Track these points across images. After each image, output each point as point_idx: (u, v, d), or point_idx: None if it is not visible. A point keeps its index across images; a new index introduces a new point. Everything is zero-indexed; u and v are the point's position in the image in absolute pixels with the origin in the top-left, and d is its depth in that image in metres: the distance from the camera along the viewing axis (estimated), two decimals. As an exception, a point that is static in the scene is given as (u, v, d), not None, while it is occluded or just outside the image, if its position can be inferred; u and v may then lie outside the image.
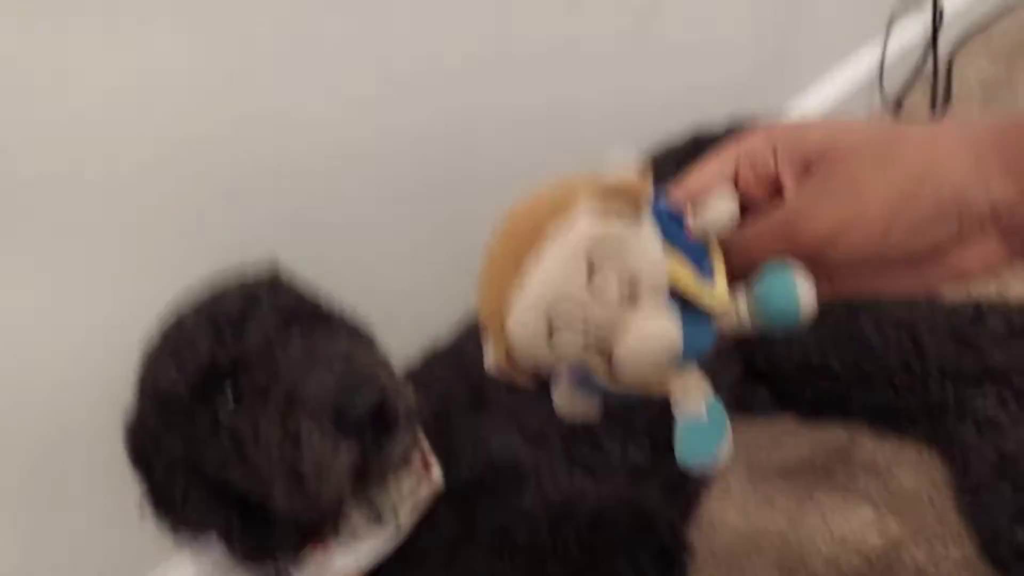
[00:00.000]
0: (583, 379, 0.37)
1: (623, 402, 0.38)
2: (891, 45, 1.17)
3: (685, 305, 0.34)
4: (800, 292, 0.34)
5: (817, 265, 0.36)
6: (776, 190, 0.38)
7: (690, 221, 0.36)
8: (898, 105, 1.20)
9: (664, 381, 0.36)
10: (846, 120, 0.38)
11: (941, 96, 1.18)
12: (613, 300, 0.32)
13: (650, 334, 0.32)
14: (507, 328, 0.33)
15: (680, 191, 0.38)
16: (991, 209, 0.32)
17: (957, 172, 0.33)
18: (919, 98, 1.19)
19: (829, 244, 0.34)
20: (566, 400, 0.39)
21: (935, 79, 1.18)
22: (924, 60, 1.19)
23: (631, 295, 0.32)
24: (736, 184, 0.38)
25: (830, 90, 1.17)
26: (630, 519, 0.61)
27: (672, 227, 0.35)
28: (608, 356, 0.33)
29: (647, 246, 0.33)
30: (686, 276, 0.34)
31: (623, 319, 0.32)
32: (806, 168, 0.36)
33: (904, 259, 0.35)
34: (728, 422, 0.35)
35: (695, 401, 0.35)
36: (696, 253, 0.36)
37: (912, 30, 1.19)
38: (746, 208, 0.38)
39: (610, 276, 0.31)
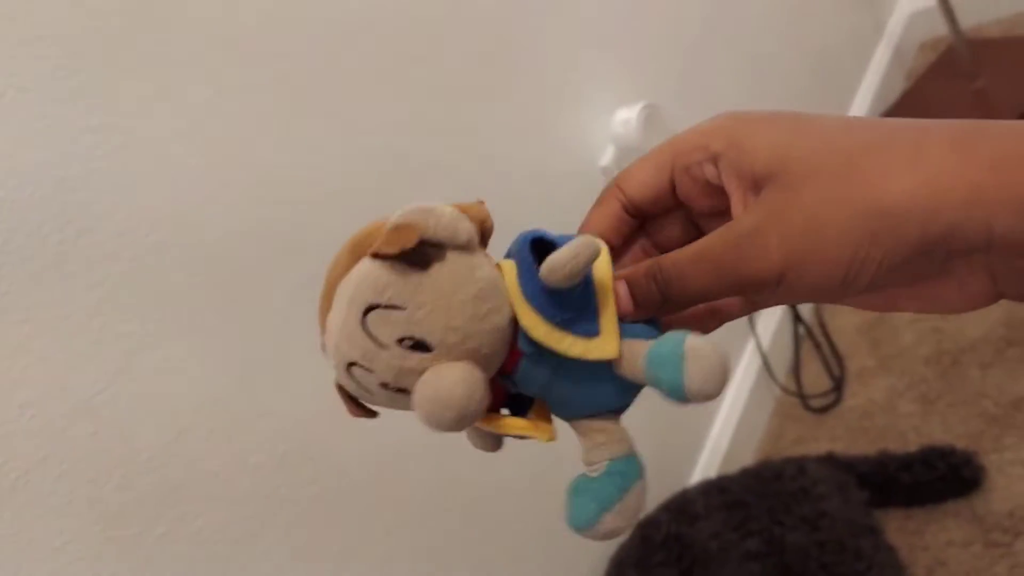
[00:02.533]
0: None
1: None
2: (764, 338, 1.27)
3: (579, 363, 0.31)
4: (688, 375, 0.29)
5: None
6: (722, 198, 0.33)
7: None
8: (798, 383, 1.26)
9: (497, 429, 0.33)
10: (799, 119, 0.31)
11: (830, 353, 1.25)
12: (395, 351, 0.30)
13: (438, 388, 0.29)
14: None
15: (617, 192, 0.35)
16: (987, 243, 0.26)
17: (949, 208, 0.26)
18: (815, 368, 1.26)
19: (779, 283, 0.29)
20: (469, 432, 0.35)
21: (818, 347, 1.27)
22: (797, 336, 1.29)
23: (421, 347, 0.30)
24: (677, 194, 0.34)
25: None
26: None
27: (544, 295, 0.31)
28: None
29: (440, 289, 0.30)
30: (535, 323, 0.31)
31: (418, 370, 0.29)
32: (755, 186, 0.30)
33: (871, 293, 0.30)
34: (634, 489, 0.31)
35: (594, 456, 0.32)
36: (575, 303, 0.31)
37: (774, 316, 1.31)
38: (692, 219, 0.35)
39: (384, 329, 0.30)
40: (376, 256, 0.30)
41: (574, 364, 0.31)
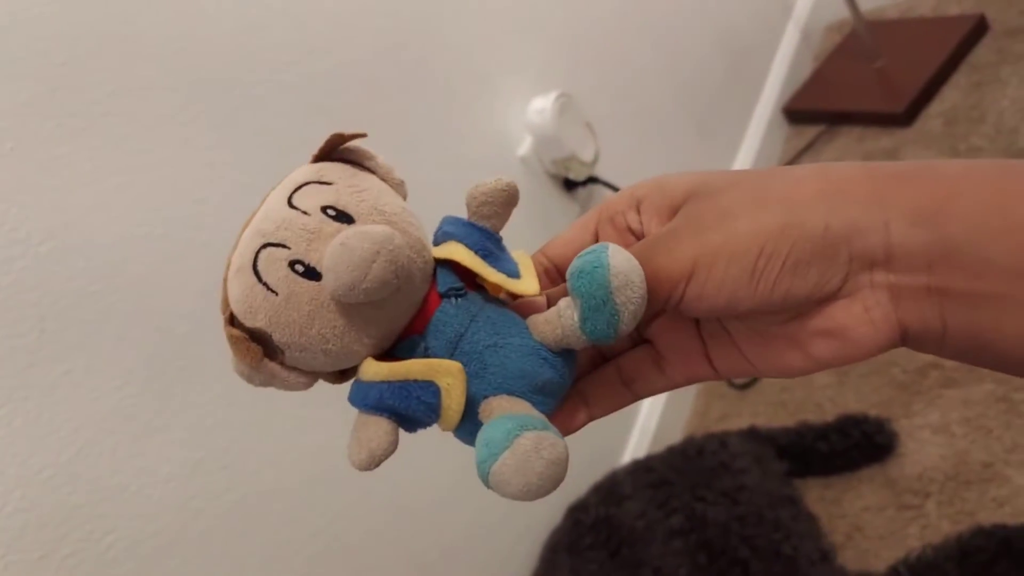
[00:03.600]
0: (362, 392, 0.31)
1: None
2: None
3: (499, 315, 0.31)
4: (613, 260, 0.27)
5: (683, 332, 0.33)
6: None
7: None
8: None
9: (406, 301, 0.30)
10: (720, 169, 0.33)
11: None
12: (315, 212, 0.28)
13: (368, 227, 0.27)
14: (227, 280, 0.30)
15: (541, 257, 0.35)
16: (886, 252, 0.27)
17: (851, 206, 0.27)
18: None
19: (689, 279, 0.29)
20: (354, 437, 0.31)
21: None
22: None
23: (345, 218, 0.29)
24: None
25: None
26: None
27: (468, 227, 0.32)
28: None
29: (373, 181, 0.31)
30: (467, 255, 0.30)
31: (337, 233, 0.28)
32: (673, 213, 0.31)
33: (780, 316, 0.30)
34: (560, 441, 0.28)
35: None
36: (501, 257, 0.31)
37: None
38: None
39: (309, 199, 0.29)
40: (322, 150, 0.31)
41: (494, 314, 0.30)
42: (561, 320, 0.29)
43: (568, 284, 0.28)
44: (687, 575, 0.86)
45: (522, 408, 0.29)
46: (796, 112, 1.58)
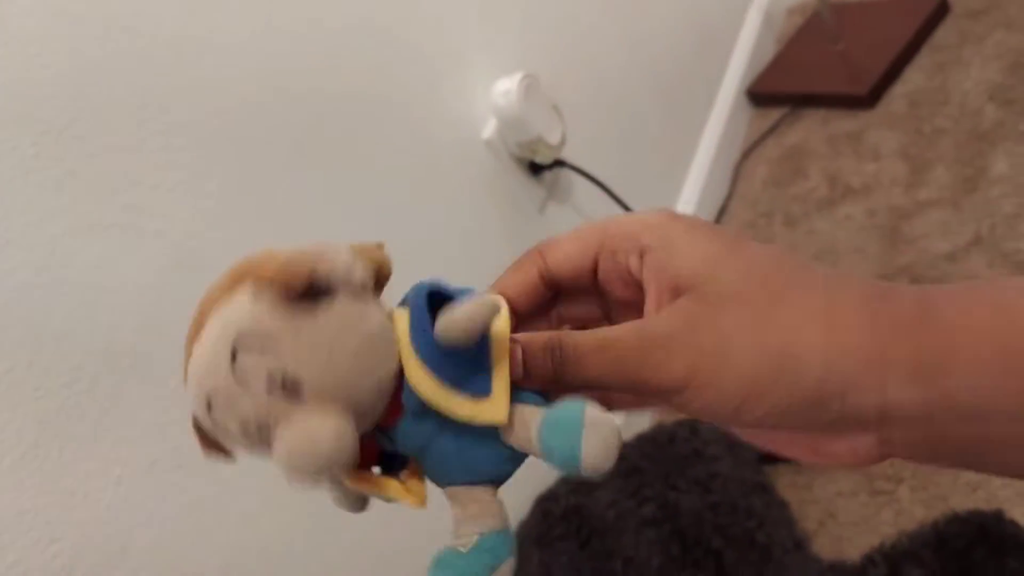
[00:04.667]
0: None
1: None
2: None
3: (464, 425, 0.30)
4: (586, 446, 0.28)
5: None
6: (638, 292, 0.32)
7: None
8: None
9: (365, 487, 0.32)
10: (737, 240, 0.31)
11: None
12: (262, 392, 0.27)
13: (306, 433, 0.27)
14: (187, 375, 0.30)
15: (538, 258, 0.34)
16: (880, 412, 0.27)
17: (850, 363, 0.27)
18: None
19: (677, 394, 0.29)
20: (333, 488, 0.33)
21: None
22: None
23: (292, 390, 0.27)
24: (597, 275, 0.34)
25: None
26: None
27: (435, 352, 0.30)
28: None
29: (323, 335, 0.28)
30: (422, 379, 0.29)
31: (286, 414, 0.27)
32: (674, 290, 0.30)
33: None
34: (502, 569, 0.30)
35: (466, 527, 0.30)
36: (467, 362, 0.30)
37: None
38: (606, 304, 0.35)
39: (253, 367, 0.27)
40: (259, 288, 0.28)
41: (459, 426, 0.30)
42: (532, 449, 0.30)
43: (540, 437, 0.29)
44: (659, 565, 0.85)
45: (482, 503, 0.31)
46: (760, 94, 1.58)
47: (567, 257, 0.34)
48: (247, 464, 0.69)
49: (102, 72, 0.64)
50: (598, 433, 0.28)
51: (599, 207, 1.17)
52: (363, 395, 0.29)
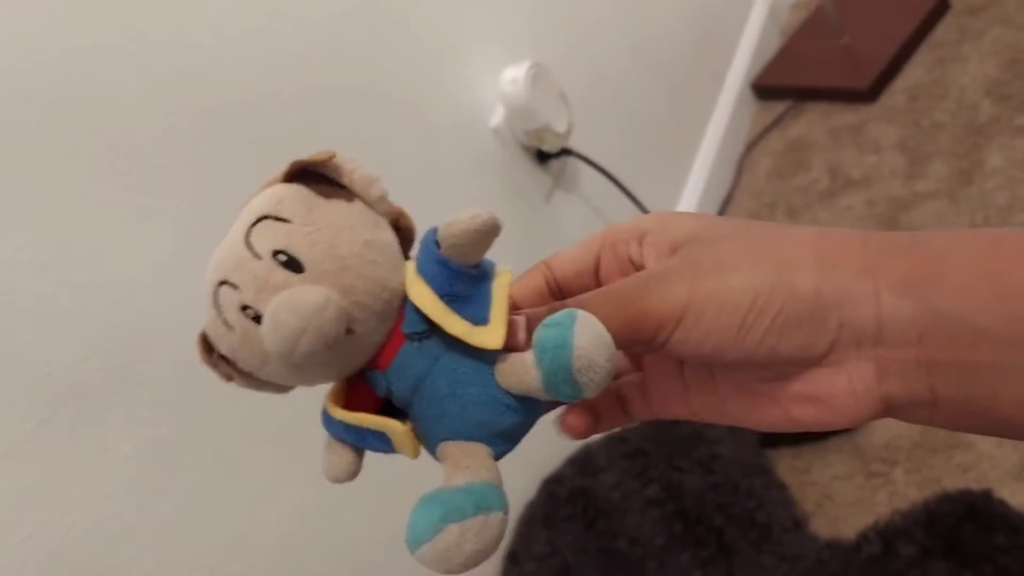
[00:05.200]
0: (329, 421, 0.31)
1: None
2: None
3: (460, 360, 0.30)
4: (578, 334, 0.27)
5: (668, 371, 0.34)
6: None
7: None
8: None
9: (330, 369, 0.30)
10: (725, 216, 0.34)
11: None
12: (268, 264, 0.28)
13: (299, 296, 0.27)
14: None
15: (544, 268, 0.35)
16: (876, 323, 0.27)
17: (843, 273, 0.28)
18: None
19: (677, 323, 0.29)
20: (324, 455, 0.32)
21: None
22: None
23: (293, 265, 0.28)
24: (599, 273, 0.34)
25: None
26: None
27: (438, 266, 0.30)
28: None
29: (334, 217, 0.29)
30: (422, 292, 0.30)
31: (284, 284, 0.28)
32: (673, 251, 0.31)
33: (763, 373, 0.30)
34: (493, 517, 0.28)
35: (456, 478, 0.29)
36: (468, 286, 0.30)
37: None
38: None
39: (264, 241, 0.29)
40: (288, 174, 0.30)
41: (455, 360, 0.30)
42: (527, 376, 0.29)
43: (533, 350, 0.28)
44: (664, 544, 0.87)
45: (477, 456, 0.30)
46: (764, 88, 1.59)
47: (569, 259, 0.35)
48: (255, 445, 0.70)
49: (104, 52, 0.66)
50: (591, 327, 0.27)
51: (605, 196, 1.19)
52: (360, 285, 0.29)
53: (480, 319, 0.30)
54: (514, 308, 0.33)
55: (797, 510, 0.90)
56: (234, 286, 0.28)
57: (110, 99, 0.65)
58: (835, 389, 0.29)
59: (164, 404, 0.65)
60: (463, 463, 0.29)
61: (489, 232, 0.29)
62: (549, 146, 1.07)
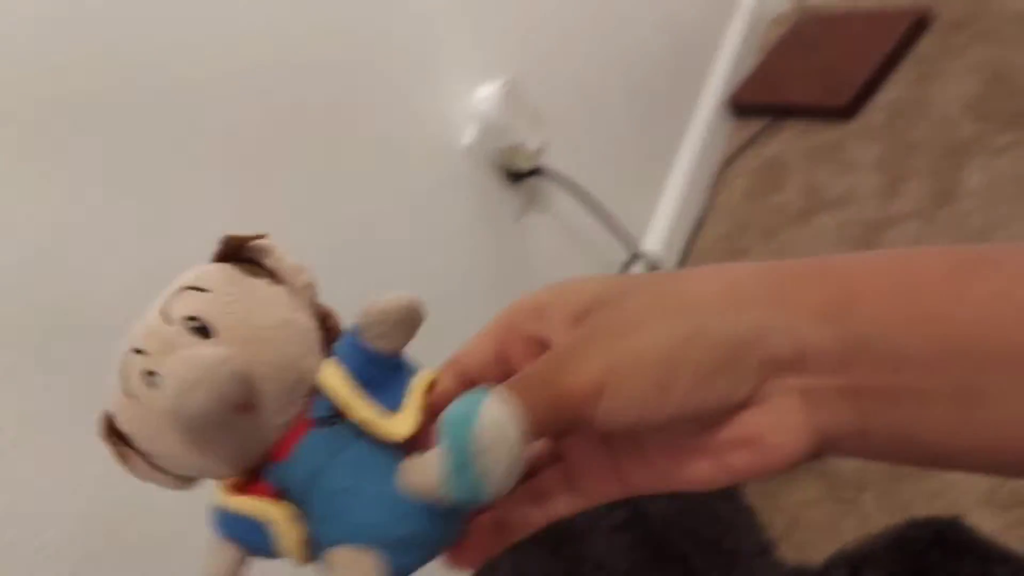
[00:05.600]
0: (215, 515, 0.30)
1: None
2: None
3: (364, 457, 0.29)
4: (484, 417, 0.25)
5: (593, 449, 0.32)
6: None
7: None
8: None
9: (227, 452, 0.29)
10: (625, 274, 0.34)
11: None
12: (180, 329, 0.28)
13: (200, 351, 0.27)
14: None
15: (455, 367, 0.34)
16: (796, 353, 0.26)
17: (755, 309, 0.27)
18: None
19: (599, 396, 0.28)
20: (207, 555, 0.31)
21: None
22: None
23: (205, 332, 0.28)
24: (508, 360, 0.33)
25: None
26: None
27: (354, 349, 0.30)
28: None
29: (253, 293, 0.29)
30: (333, 372, 0.29)
31: (190, 345, 0.28)
32: (578, 321, 0.30)
33: (692, 427, 0.29)
34: None
35: None
36: (384, 375, 0.30)
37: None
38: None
39: (180, 307, 0.28)
40: (219, 253, 0.30)
41: (362, 454, 0.28)
42: (427, 472, 0.27)
43: (438, 433, 0.26)
44: (628, 570, 0.86)
45: (362, 570, 0.28)
46: (741, 105, 1.59)
47: (476, 352, 0.33)
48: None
49: (77, 58, 0.65)
50: (501, 402, 0.26)
51: (577, 216, 1.18)
52: (268, 359, 0.28)
53: (391, 406, 0.29)
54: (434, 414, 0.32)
55: (764, 535, 0.89)
56: (141, 351, 0.28)
57: (90, 106, 0.64)
58: (766, 428, 0.28)
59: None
60: (353, 569, 0.27)
61: (409, 316, 0.29)
62: (522, 165, 1.06)
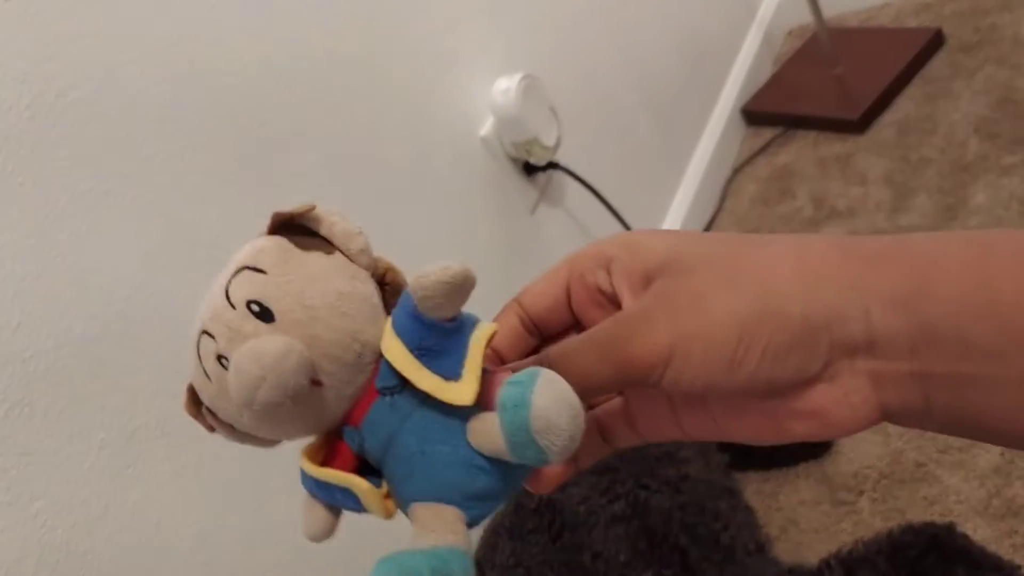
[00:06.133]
0: (304, 477, 0.31)
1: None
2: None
3: (432, 417, 0.29)
4: (538, 393, 0.27)
5: (654, 396, 0.32)
6: (614, 310, 0.32)
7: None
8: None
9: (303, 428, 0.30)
10: (693, 231, 0.33)
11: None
12: (242, 314, 0.29)
13: (263, 345, 0.27)
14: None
15: (517, 307, 0.34)
16: (868, 338, 0.27)
17: (829, 291, 0.27)
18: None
19: (666, 365, 0.28)
20: (302, 512, 0.33)
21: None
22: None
23: (265, 316, 0.29)
24: (571, 307, 0.34)
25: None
26: None
27: (411, 319, 0.30)
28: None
29: (308, 268, 0.30)
30: (393, 346, 0.29)
31: (254, 334, 0.28)
32: (646, 282, 0.30)
33: (758, 395, 0.29)
34: None
35: (421, 542, 0.29)
36: (441, 340, 0.30)
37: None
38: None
39: (240, 292, 0.29)
40: (272, 227, 0.30)
41: (427, 418, 0.29)
42: (496, 436, 0.28)
43: (497, 409, 0.28)
44: (627, 560, 0.87)
45: (446, 520, 0.29)
46: (754, 113, 1.61)
47: (538, 294, 0.34)
48: (228, 441, 0.71)
49: (97, 39, 0.66)
50: (553, 385, 0.27)
51: (590, 212, 1.20)
52: (328, 339, 0.29)
53: (453, 374, 0.29)
54: (497, 360, 0.33)
55: (761, 534, 0.90)
56: (211, 336, 0.29)
57: (102, 90, 0.65)
58: (831, 403, 0.28)
59: (140, 393, 0.65)
60: (430, 526, 0.29)
61: (461, 284, 0.29)
62: (537, 159, 1.07)
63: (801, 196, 1.40)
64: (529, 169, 1.10)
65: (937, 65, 1.47)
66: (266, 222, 0.31)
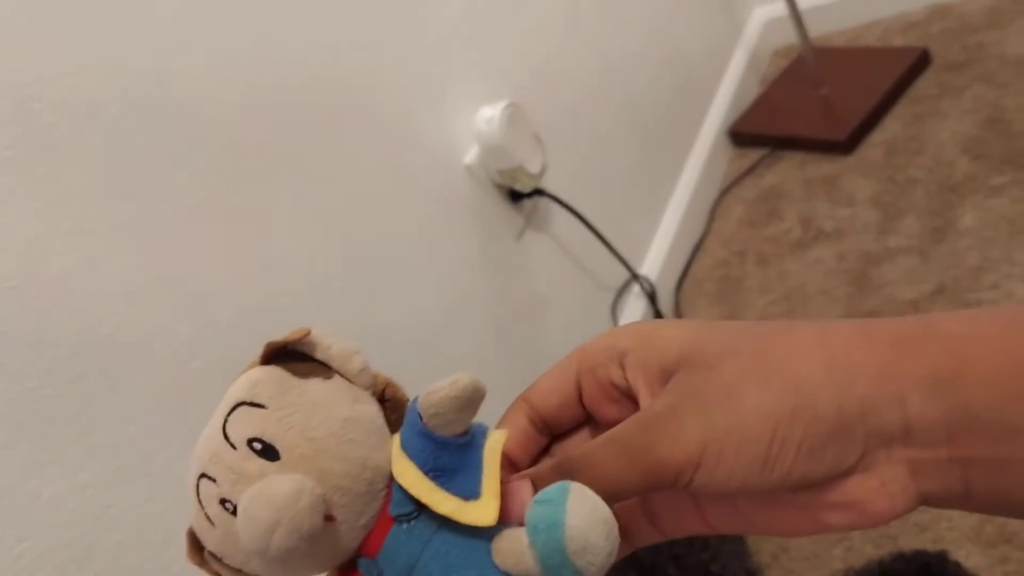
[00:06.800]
0: None
1: None
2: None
3: (454, 541, 0.28)
4: (571, 511, 0.26)
5: (677, 492, 0.31)
6: (629, 405, 0.31)
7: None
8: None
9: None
10: (706, 321, 0.31)
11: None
12: (244, 453, 0.27)
13: (272, 488, 0.26)
14: None
15: (524, 405, 0.33)
16: (904, 427, 0.26)
17: (861, 380, 0.26)
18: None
19: (696, 467, 0.27)
20: None
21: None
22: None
23: (269, 453, 0.27)
24: (583, 402, 0.32)
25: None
26: None
27: (421, 439, 0.29)
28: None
29: (310, 398, 0.28)
30: (406, 469, 0.28)
31: (260, 474, 0.27)
32: (664, 376, 0.29)
33: (792, 490, 0.28)
34: None
35: None
36: (455, 458, 0.29)
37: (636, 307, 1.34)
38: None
39: (239, 430, 0.28)
40: (264, 356, 0.29)
41: (449, 542, 0.28)
42: (524, 557, 0.27)
43: (526, 530, 0.27)
44: (616, 593, 0.86)
45: None
46: (741, 135, 1.61)
47: (548, 391, 0.33)
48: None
49: (80, 77, 0.66)
50: (585, 500, 0.26)
51: (576, 238, 1.19)
52: (339, 470, 0.28)
53: (471, 493, 0.28)
54: (510, 465, 0.32)
55: (752, 562, 0.89)
56: (212, 479, 0.28)
57: (85, 127, 0.65)
58: (868, 493, 0.27)
59: (122, 433, 0.65)
60: None
61: (471, 398, 0.28)
62: (522, 186, 1.07)
63: (789, 217, 1.40)
64: (515, 196, 1.09)
65: (924, 85, 1.48)
66: (258, 352, 0.30)
